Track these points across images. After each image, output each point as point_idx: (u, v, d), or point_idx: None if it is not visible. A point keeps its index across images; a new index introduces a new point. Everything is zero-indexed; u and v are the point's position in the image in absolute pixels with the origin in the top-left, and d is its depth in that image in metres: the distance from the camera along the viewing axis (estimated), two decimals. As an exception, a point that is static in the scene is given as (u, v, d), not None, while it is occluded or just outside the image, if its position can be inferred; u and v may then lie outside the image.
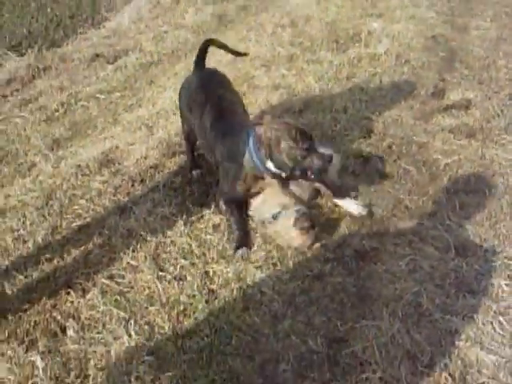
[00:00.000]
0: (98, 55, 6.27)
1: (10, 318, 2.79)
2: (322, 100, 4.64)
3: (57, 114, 5.02)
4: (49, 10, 8.53)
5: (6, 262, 3.17)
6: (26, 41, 7.15)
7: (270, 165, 3.08)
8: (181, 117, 3.82)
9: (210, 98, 3.47)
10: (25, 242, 3.30)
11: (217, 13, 7.29)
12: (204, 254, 3.11)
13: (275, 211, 3.21)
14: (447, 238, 3.15)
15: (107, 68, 5.94)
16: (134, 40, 6.67)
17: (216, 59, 5.32)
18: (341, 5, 6.98)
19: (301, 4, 7.23)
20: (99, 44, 6.67)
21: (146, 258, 3.10)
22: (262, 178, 3.22)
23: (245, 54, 4.33)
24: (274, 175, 3.15)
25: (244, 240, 3.18)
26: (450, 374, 2.42)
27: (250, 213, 3.36)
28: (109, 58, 6.19)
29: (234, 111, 3.49)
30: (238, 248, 3.12)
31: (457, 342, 2.55)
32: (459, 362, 2.47)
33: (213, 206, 3.46)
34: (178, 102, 3.87)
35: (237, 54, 4.20)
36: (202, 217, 3.40)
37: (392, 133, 4.17)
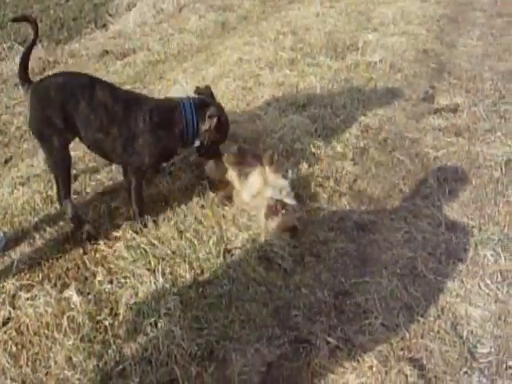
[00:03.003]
0: (107, 52, 6.56)
1: (42, 263, 3.04)
2: (323, 97, 4.97)
3: (70, 101, 5.22)
4: (52, 11, 8.86)
5: (36, 219, 3.40)
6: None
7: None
8: (43, 139, 3.17)
9: (96, 81, 3.20)
10: (52, 202, 3.53)
11: (219, 20, 7.66)
12: (218, 223, 3.36)
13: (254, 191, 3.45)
14: (438, 216, 3.50)
15: (116, 63, 6.22)
16: (141, 41, 6.99)
17: (222, 60, 5.67)
18: (338, 18, 7.42)
19: (300, 16, 7.65)
20: (106, 43, 6.99)
21: (166, 219, 3.37)
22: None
23: None
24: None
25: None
26: (442, 323, 2.74)
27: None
28: (117, 55, 6.47)
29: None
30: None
31: (448, 299, 2.89)
32: (450, 314, 2.80)
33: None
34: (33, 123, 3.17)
35: None
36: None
37: (387, 128, 4.54)
